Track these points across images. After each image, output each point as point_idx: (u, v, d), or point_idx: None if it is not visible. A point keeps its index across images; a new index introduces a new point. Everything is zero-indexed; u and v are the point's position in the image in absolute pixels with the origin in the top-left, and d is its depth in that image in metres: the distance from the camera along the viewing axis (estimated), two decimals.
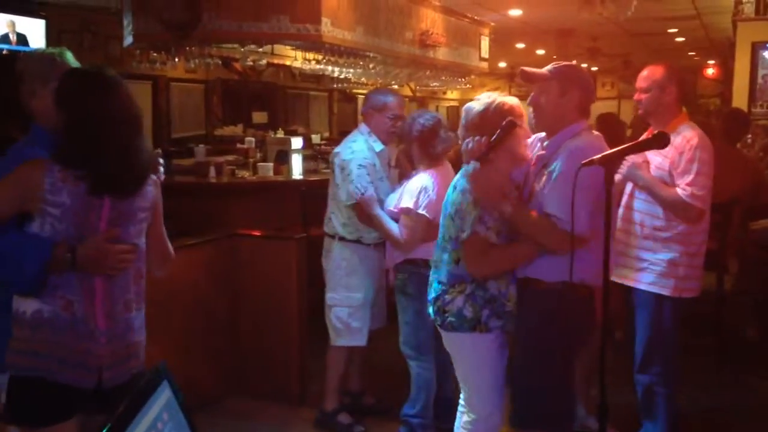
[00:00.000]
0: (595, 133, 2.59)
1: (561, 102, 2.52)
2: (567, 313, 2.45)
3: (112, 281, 2.09)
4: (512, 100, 2.63)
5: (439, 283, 2.65)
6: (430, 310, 2.69)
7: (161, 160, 2.34)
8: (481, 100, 2.64)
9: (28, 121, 2.30)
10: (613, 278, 3.13)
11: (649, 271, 3.11)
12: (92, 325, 2.06)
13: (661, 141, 2.31)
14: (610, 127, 3.74)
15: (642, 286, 3.15)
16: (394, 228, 3.33)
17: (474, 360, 2.63)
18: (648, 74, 3.16)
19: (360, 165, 3.52)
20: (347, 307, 3.64)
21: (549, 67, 2.57)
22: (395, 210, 3.32)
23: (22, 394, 2.06)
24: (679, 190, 2.99)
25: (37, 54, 2.38)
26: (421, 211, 3.19)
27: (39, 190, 1.98)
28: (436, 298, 2.64)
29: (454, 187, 2.63)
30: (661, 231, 3.08)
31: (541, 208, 2.45)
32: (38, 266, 2.00)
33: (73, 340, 2.04)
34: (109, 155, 2.04)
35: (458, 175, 2.65)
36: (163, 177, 2.33)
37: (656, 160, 3.07)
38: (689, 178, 2.98)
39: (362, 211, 3.47)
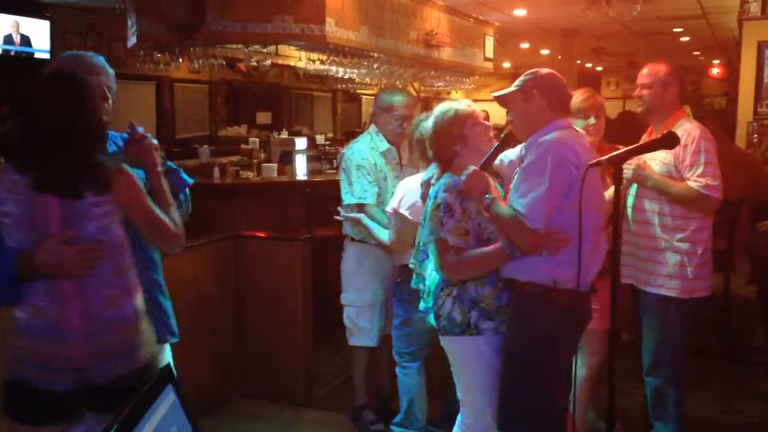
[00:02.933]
0: (578, 130, 2.55)
1: (527, 107, 2.50)
2: (546, 322, 2.41)
3: (84, 281, 2.05)
4: (460, 105, 2.66)
5: (435, 287, 2.68)
6: (430, 317, 2.70)
7: (155, 142, 2.37)
8: (433, 113, 2.70)
9: None
10: (623, 280, 3.13)
11: (658, 273, 3.08)
12: (65, 328, 2.04)
13: (670, 141, 2.30)
14: (629, 125, 3.67)
15: (650, 289, 3.11)
16: (382, 231, 3.31)
17: (466, 363, 2.62)
18: (651, 71, 3.14)
19: (358, 166, 3.51)
20: (356, 307, 3.64)
21: (514, 83, 2.57)
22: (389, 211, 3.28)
23: (12, 396, 2.10)
24: (692, 183, 2.95)
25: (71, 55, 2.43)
26: (402, 211, 3.13)
27: None
28: (434, 304, 2.67)
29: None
30: (670, 231, 3.05)
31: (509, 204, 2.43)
32: (5, 277, 2.02)
33: (46, 345, 2.04)
34: (52, 152, 2.03)
35: (433, 188, 2.65)
36: (160, 166, 2.34)
37: (659, 155, 3.04)
38: (699, 169, 2.94)
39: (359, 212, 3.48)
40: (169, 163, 2.61)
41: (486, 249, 2.48)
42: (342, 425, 3.79)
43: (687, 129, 3.01)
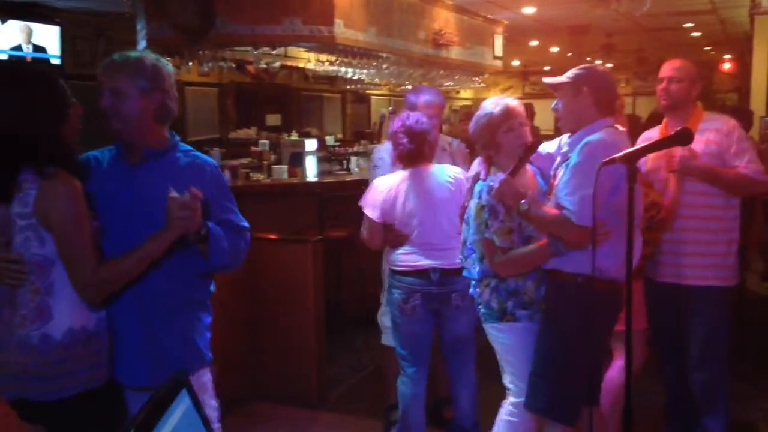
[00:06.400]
0: (620, 128, 2.59)
1: (575, 102, 2.57)
2: (585, 307, 2.47)
3: (17, 292, 1.99)
4: (496, 107, 2.69)
5: (473, 280, 2.79)
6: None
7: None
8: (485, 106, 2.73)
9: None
10: (660, 279, 3.13)
11: (703, 265, 3.06)
12: None
13: (684, 138, 2.27)
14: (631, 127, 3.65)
15: (697, 282, 3.07)
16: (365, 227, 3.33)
17: (507, 347, 2.72)
18: (681, 65, 3.13)
19: (374, 165, 3.61)
20: (383, 306, 3.64)
21: (568, 72, 2.60)
22: None
23: None
24: (743, 170, 2.97)
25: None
26: (365, 209, 3.19)
27: None
28: (474, 294, 2.79)
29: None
30: (714, 221, 3.05)
31: (557, 201, 2.51)
32: None
33: None
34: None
35: (478, 185, 2.71)
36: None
37: (698, 147, 2.99)
38: (747, 156, 2.98)
39: None
40: (215, 230, 2.21)
41: (532, 247, 2.57)
42: (356, 427, 3.78)
43: (723, 120, 3.08)
